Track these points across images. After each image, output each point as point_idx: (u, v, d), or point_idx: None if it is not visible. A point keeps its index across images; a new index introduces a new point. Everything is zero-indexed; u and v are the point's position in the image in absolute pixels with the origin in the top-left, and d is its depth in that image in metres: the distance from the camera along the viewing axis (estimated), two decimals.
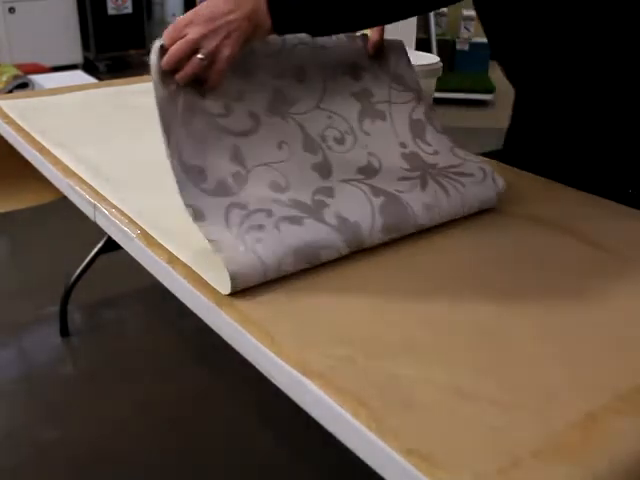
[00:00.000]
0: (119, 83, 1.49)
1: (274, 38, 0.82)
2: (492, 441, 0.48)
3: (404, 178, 0.81)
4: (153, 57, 0.74)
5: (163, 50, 0.73)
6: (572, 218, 0.85)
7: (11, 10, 3.99)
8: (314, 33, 0.81)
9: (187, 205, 0.69)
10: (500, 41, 0.98)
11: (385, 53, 0.93)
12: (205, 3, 0.74)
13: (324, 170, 0.79)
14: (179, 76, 0.74)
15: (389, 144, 0.87)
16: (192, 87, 0.76)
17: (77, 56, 4.30)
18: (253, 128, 0.78)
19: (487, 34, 1.00)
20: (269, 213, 0.70)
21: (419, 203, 0.78)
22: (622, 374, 0.56)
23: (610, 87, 0.88)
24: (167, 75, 0.74)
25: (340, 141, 0.83)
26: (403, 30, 3.87)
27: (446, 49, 4.14)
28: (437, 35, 4.06)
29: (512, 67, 1.00)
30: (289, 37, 0.84)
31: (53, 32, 4.14)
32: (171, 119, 0.74)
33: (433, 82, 1.08)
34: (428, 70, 1.06)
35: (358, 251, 0.75)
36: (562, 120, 0.95)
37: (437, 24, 4.11)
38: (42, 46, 4.03)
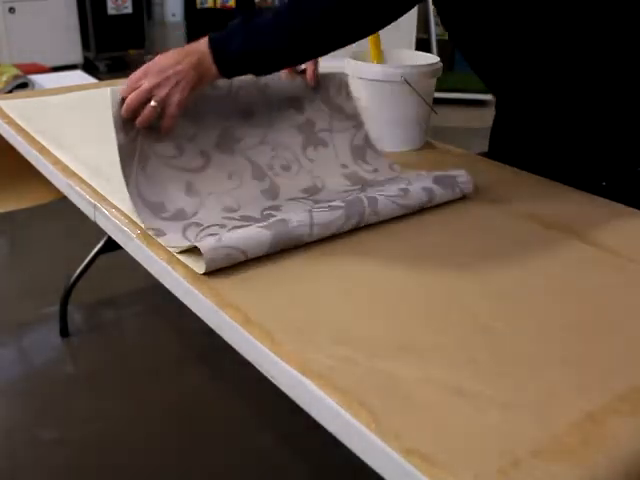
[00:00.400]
0: (119, 83, 1.48)
1: (222, 81, 0.89)
2: (492, 441, 0.48)
3: (345, 192, 0.90)
4: (113, 107, 0.83)
5: (123, 101, 0.83)
6: (573, 218, 0.85)
7: (11, 10, 3.99)
8: (257, 73, 0.89)
9: (148, 228, 0.78)
10: (470, 53, 1.01)
11: (325, 85, 1.01)
12: (157, 57, 0.84)
13: (272, 194, 0.88)
14: (137, 121, 0.83)
15: (331, 167, 0.96)
16: (148, 133, 0.85)
17: (77, 56, 4.30)
18: (205, 164, 0.88)
19: (457, 46, 1.03)
20: (222, 226, 0.79)
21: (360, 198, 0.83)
22: (622, 374, 0.56)
23: (582, 90, 0.92)
24: (126, 123, 0.83)
25: (286, 168, 0.92)
26: (403, 30, 3.87)
27: (446, 49, 4.13)
28: (437, 35, 4.06)
29: (486, 77, 1.04)
30: (235, 79, 0.90)
31: (53, 32, 4.14)
32: (130, 162, 0.83)
33: (433, 82, 1.08)
34: (428, 70, 1.06)
35: (356, 250, 0.75)
36: (540, 121, 0.99)
37: (437, 24, 4.10)
38: (42, 46, 4.03)
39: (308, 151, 0.96)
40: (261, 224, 0.74)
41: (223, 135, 0.91)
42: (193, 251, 0.72)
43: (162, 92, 0.82)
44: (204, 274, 0.70)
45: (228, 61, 0.83)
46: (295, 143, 0.96)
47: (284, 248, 0.75)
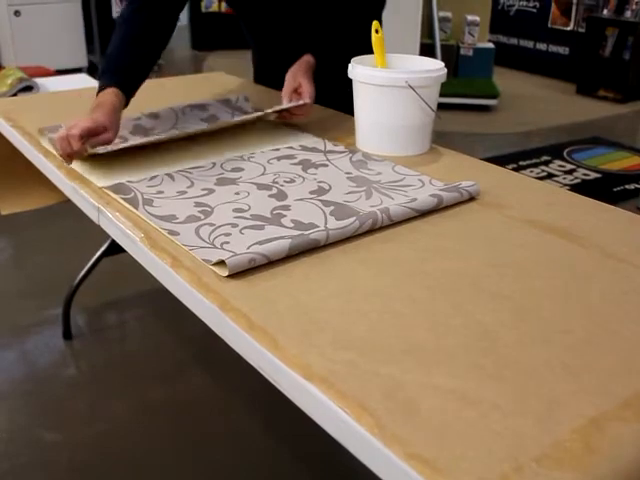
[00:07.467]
0: None
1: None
2: (495, 447, 0.48)
3: (351, 192, 0.94)
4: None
5: None
6: (574, 223, 0.85)
7: (16, 13, 4.00)
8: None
9: (161, 228, 0.81)
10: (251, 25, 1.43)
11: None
12: None
13: (280, 197, 0.93)
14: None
15: (336, 175, 1.01)
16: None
17: (82, 59, 4.32)
18: (209, 192, 0.93)
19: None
20: (234, 225, 0.83)
21: (366, 206, 0.89)
22: (626, 380, 0.56)
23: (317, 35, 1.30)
24: None
25: (291, 182, 0.98)
26: (407, 35, 3.86)
27: (450, 54, 4.14)
28: (441, 40, 4.07)
29: (258, 36, 1.46)
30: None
31: (58, 35, 4.16)
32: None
33: (437, 87, 1.08)
34: (433, 76, 1.06)
35: (360, 254, 0.76)
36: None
37: (441, 29, 4.11)
38: (47, 49, 4.06)
39: (310, 171, 1.02)
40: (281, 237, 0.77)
41: (220, 177, 0.99)
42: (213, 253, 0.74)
43: None
44: (207, 277, 0.70)
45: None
46: (295, 169, 1.02)
47: (301, 251, 0.76)
